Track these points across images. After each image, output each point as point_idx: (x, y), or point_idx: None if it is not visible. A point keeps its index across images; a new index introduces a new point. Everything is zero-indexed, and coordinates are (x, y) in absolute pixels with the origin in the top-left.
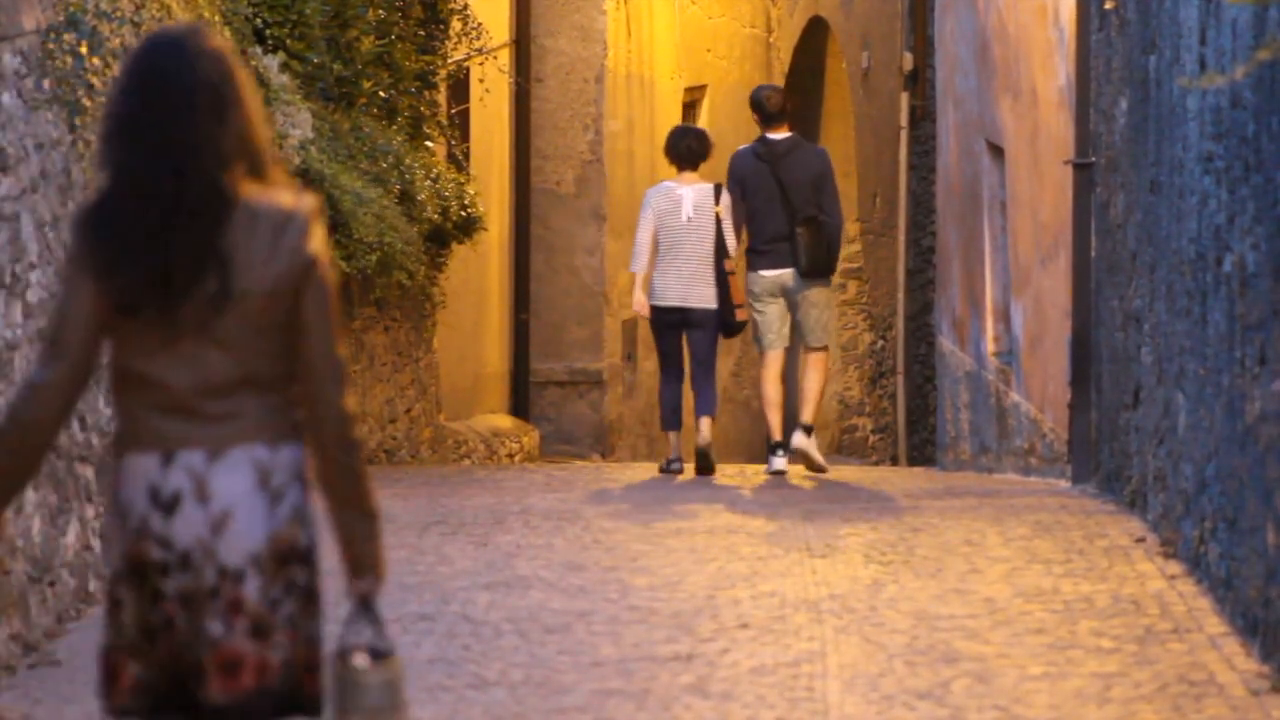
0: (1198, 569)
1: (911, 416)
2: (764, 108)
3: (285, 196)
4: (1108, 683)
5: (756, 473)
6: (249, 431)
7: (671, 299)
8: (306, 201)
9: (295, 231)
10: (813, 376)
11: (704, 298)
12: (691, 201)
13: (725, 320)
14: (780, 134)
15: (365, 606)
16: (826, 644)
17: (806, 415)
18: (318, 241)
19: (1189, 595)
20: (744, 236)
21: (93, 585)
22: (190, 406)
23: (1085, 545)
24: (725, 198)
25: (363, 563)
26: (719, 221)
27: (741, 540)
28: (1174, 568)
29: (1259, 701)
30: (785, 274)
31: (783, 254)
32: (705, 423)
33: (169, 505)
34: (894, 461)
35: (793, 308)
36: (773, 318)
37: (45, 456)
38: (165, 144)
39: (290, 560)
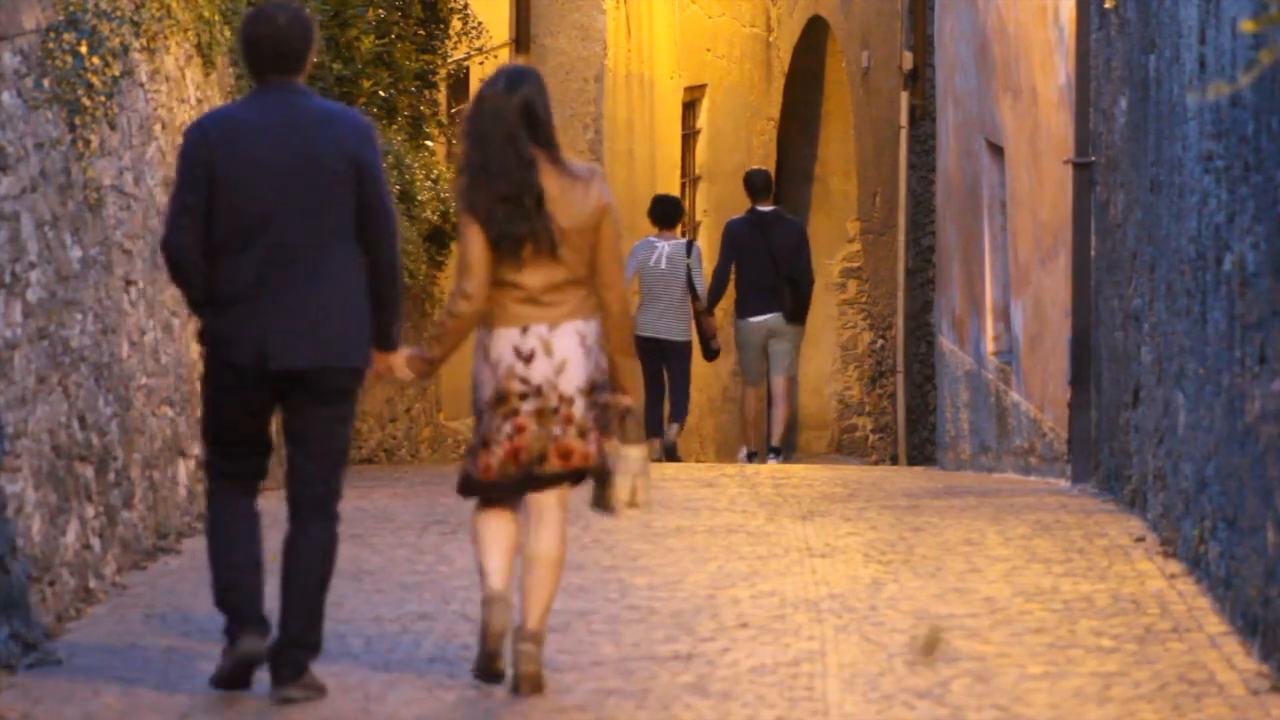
0: (1197, 568)
1: (911, 416)
2: (755, 186)
3: (582, 166)
4: (1107, 682)
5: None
6: (573, 312)
7: (650, 331)
8: (598, 168)
9: (597, 186)
10: (780, 404)
11: (676, 331)
12: (666, 254)
13: (706, 346)
14: (767, 206)
15: (630, 412)
16: (826, 643)
17: (776, 438)
18: (608, 192)
19: (1189, 594)
20: (730, 285)
21: (93, 584)
22: (538, 298)
23: (1085, 544)
24: (696, 251)
25: (627, 388)
26: (689, 271)
27: (741, 540)
28: (1174, 567)
29: (1259, 701)
30: (772, 318)
31: (770, 302)
32: (674, 427)
33: (528, 357)
34: (894, 461)
35: (773, 342)
36: (757, 357)
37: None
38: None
39: (596, 389)
